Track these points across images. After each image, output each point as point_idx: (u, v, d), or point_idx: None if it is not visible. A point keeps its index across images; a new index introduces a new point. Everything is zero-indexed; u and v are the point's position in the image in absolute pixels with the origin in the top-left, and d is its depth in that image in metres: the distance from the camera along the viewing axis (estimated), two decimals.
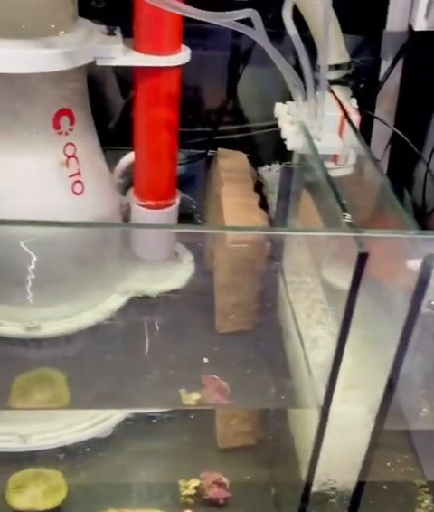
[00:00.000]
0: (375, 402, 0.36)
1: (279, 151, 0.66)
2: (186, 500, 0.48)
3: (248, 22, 0.41)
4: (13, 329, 0.51)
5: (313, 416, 0.38)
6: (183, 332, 0.53)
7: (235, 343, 0.53)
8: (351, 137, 0.46)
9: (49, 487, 0.47)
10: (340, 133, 0.47)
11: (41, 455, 0.49)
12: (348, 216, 0.34)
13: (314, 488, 0.40)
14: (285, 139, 0.46)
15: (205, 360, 0.50)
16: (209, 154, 0.66)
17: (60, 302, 0.53)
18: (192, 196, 0.64)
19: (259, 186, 0.61)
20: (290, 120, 0.48)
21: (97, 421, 0.52)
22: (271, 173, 0.64)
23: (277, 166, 0.64)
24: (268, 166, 0.65)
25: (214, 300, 0.56)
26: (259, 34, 0.39)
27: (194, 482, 0.48)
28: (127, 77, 0.68)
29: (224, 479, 0.49)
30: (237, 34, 0.67)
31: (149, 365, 0.51)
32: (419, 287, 0.31)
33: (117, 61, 0.47)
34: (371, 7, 0.60)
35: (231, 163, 0.60)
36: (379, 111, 0.61)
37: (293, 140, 0.46)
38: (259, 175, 0.63)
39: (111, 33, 0.48)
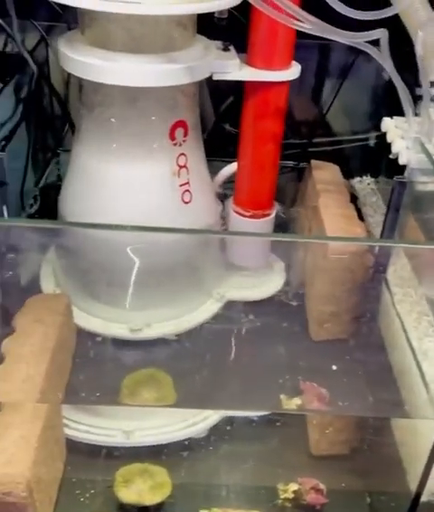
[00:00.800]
0: None
1: (369, 163, 0.68)
2: (284, 504, 0.49)
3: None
4: (118, 331, 0.53)
5: (426, 427, 0.39)
6: (278, 338, 0.55)
7: (330, 351, 0.54)
8: None
9: (154, 482, 0.48)
10: None
11: (144, 451, 0.51)
12: None
13: (423, 498, 0.41)
14: (396, 154, 0.47)
15: (302, 367, 0.52)
16: (299, 166, 0.67)
17: (161, 306, 0.55)
18: (282, 207, 0.65)
19: (353, 198, 0.62)
20: (400, 135, 0.49)
21: (194, 422, 0.54)
22: (363, 185, 0.65)
23: (368, 179, 0.65)
24: (358, 178, 0.66)
25: (307, 308, 0.58)
26: (383, 54, 0.40)
27: (294, 486, 0.49)
28: (219, 90, 0.70)
29: (322, 486, 0.50)
30: (334, 48, 0.69)
31: (247, 370, 0.52)
32: None
33: (233, 76, 0.49)
34: None
35: (325, 174, 0.62)
36: None
37: (405, 155, 0.47)
38: (351, 187, 0.64)
39: (226, 49, 0.50)
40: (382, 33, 0.39)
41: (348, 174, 0.66)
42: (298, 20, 0.40)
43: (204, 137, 0.71)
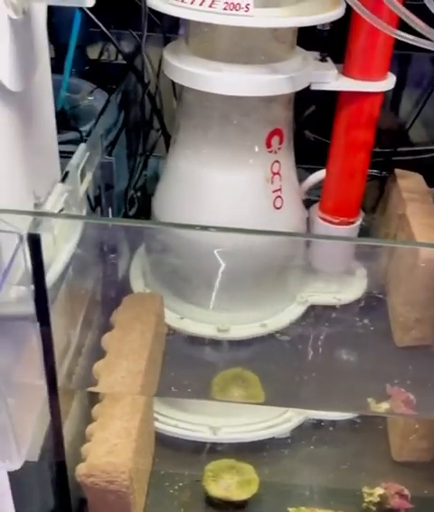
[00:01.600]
0: None
1: None
2: (369, 507, 0.50)
3: None
4: (207, 331, 0.55)
5: None
6: (361, 342, 0.56)
7: (415, 357, 0.54)
8: None
9: (242, 479, 0.50)
10: None
11: (229, 448, 0.53)
12: None
13: None
14: None
15: (387, 372, 0.52)
16: (382, 174, 0.68)
17: (247, 307, 0.57)
18: (364, 215, 0.66)
19: None
20: None
21: (277, 422, 0.55)
22: None
23: None
24: None
25: (391, 314, 0.59)
26: None
27: (379, 491, 0.50)
28: (301, 98, 0.71)
29: (406, 491, 0.50)
30: (416, 58, 0.70)
31: (331, 373, 0.53)
32: None
33: (331, 86, 0.51)
34: None
35: (410, 183, 0.62)
36: None
37: None
38: None
39: (324, 60, 0.52)
40: None
41: (431, 183, 0.67)
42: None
43: None
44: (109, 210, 0.49)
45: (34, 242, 0.32)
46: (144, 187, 0.65)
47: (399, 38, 0.43)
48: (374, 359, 0.54)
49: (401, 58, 0.71)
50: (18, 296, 0.35)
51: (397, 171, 0.64)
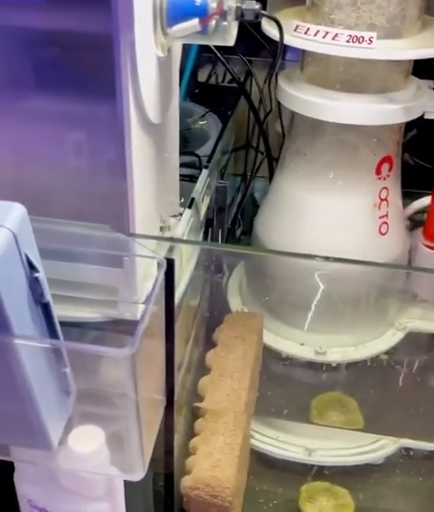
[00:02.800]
0: None
1: None
2: None
3: None
4: (305, 353, 0.56)
5: None
6: None
7: None
8: None
9: (338, 503, 0.50)
10: None
11: (323, 471, 0.53)
12: None
13: None
14: None
15: None
16: None
17: (344, 331, 0.57)
18: None
19: None
20: None
21: (373, 448, 0.55)
22: None
23: None
24: None
25: None
26: None
27: None
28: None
29: None
30: None
31: (429, 402, 0.53)
32: None
33: None
34: None
35: None
36: None
37: None
38: None
39: None
40: None
41: None
42: None
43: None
44: (219, 232, 0.51)
45: (170, 266, 0.34)
46: (244, 208, 0.66)
47: None
48: None
49: None
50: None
51: None
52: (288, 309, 0.58)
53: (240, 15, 0.33)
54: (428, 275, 0.60)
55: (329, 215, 0.53)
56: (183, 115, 0.60)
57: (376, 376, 0.55)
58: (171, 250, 0.34)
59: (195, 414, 0.50)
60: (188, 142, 0.57)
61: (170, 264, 0.33)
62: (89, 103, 0.31)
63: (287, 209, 0.55)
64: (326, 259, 0.46)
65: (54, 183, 0.33)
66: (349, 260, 0.47)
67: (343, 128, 0.49)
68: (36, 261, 0.29)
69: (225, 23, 0.33)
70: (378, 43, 0.44)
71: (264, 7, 0.49)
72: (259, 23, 0.47)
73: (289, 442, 0.54)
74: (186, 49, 0.58)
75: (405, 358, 0.57)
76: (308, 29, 0.45)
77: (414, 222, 0.61)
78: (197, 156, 0.47)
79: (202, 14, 0.32)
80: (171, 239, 0.34)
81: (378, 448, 0.55)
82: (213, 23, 0.33)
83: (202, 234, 0.45)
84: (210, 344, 0.53)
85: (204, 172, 0.43)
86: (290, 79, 0.51)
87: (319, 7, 0.46)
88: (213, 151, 0.46)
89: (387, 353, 0.56)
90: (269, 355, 0.56)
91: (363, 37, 0.43)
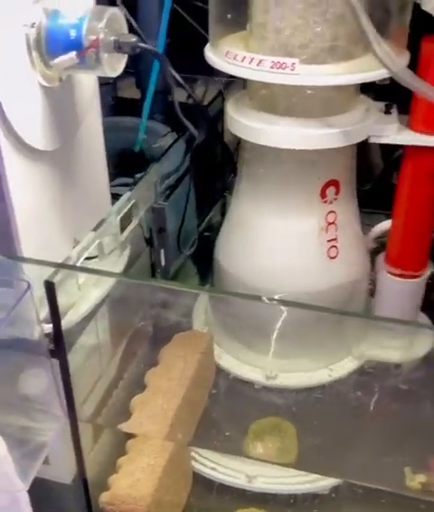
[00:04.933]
0: None
1: None
2: None
3: None
4: (255, 375, 0.56)
5: None
6: (414, 406, 0.53)
7: None
8: None
9: None
10: None
11: (264, 498, 0.53)
12: None
13: None
14: None
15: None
16: None
17: (299, 357, 0.56)
18: None
19: None
20: None
21: (317, 478, 0.54)
22: None
23: None
24: None
25: None
26: None
27: None
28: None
29: None
30: None
31: (376, 435, 0.51)
32: None
33: (390, 140, 0.49)
34: None
35: None
36: None
37: None
38: None
39: (388, 112, 0.51)
40: None
41: None
42: None
43: (369, 186, 0.72)
44: (161, 251, 0.51)
45: (49, 289, 0.35)
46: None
47: None
48: (424, 426, 0.51)
49: None
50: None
51: None
52: (246, 332, 0.58)
53: (118, 48, 0.34)
54: (388, 300, 0.58)
55: (277, 238, 0.53)
56: (150, 134, 0.62)
57: (323, 404, 0.53)
58: (55, 273, 0.35)
59: (130, 434, 0.51)
60: (150, 162, 0.58)
61: (49, 287, 0.34)
62: None
63: (239, 231, 0.55)
64: (270, 300, 0.45)
65: None
66: (295, 304, 0.46)
67: (283, 152, 0.48)
68: None
69: (105, 55, 0.34)
70: (302, 69, 0.43)
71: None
72: None
73: (229, 467, 0.54)
74: (149, 68, 0.59)
75: (356, 388, 0.55)
76: (236, 55, 0.45)
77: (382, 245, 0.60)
78: (132, 176, 0.48)
79: (78, 47, 0.33)
80: (55, 264, 0.35)
81: (323, 477, 0.54)
82: (93, 55, 0.34)
83: (126, 255, 0.46)
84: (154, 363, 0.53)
85: (126, 195, 0.44)
86: (237, 104, 0.52)
87: (254, 32, 0.46)
88: (144, 173, 0.47)
89: (339, 380, 0.55)
90: (221, 375, 0.56)
91: (285, 63, 0.43)
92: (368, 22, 0.38)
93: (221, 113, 0.63)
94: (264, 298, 0.44)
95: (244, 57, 0.44)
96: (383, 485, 0.46)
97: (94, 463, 0.49)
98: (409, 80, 0.40)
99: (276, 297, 0.51)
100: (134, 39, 0.33)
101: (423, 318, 0.59)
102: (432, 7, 0.42)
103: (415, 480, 0.45)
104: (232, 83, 0.65)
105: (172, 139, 0.57)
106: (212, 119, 0.60)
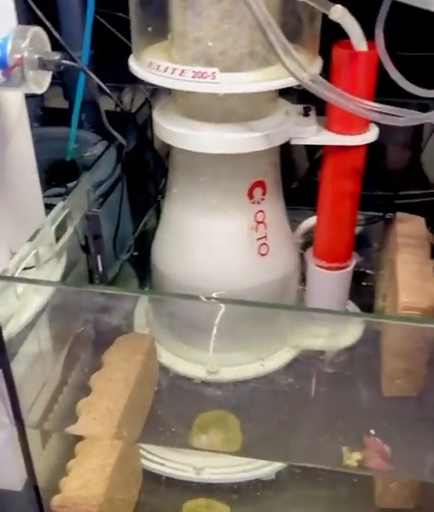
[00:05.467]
0: None
1: None
2: None
3: None
4: (196, 371, 0.58)
5: None
6: (349, 390, 0.56)
7: (400, 408, 0.54)
8: None
9: None
10: None
11: (211, 488, 0.55)
12: None
13: None
14: None
15: (369, 421, 0.53)
16: (387, 216, 0.68)
17: (238, 350, 0.59)
18: (366, 257, 0.66)
19: None
20: None
21: (262, 464, 0.56)
22: None
23: None
24: None
25: (382, 363, 0.59)
26: None
27: None
28: None
29: None
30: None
31: (314, 420, 0.54)
32: None
33: (310, 141, 0.52)
34: None
35: (408, 228, 0.62)
36: None
37: None
38: None
39: (306, 114, 0.54)
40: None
41: None
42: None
43: (295, 185, 0.75)
44: (98, 257, 0.53)
45: None
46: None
47: (365, 116, 0.45)
48: (359, 408, 0.54)
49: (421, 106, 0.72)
50: None
51: (398, 214, 0.65)
52: (186, 331, 0.60)
53: (43, 65, 0.35)
54: (318, 292, 0.62)
55: (209, 239, 0.55)
56: (81, 143, 0.63)
57: (263, 395, 0.56)
58: None
59: (79, 437, 0.52)
60: (82, 171, 0.59)
61: None
62: None
63: (173, 234, 0.57)
64: (208, 299, 0.47)
65: None
66: (232, 301, 0.48)
67: (210, 156, 0.51)
68: None
69: (31, 72, 0.35)
70: (222, 77, 0.45)
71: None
72: None
73: (178, 461, 0.56)
74: (75, 79, 0.60)
75: (292, 377, 0.58)
76: (159, 66, 0.47)
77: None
78: (65, 186, 0.50)
79: (3, 66, 0.34)
80: None
81: (268, 463, 0.56)
82: (18, 73, 0.35)
83: (63, 262, 0.47)
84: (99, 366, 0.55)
85: (59, 205, 0.45)
86: (163, 110, 0.53)
87: (175, 42, 0.48)
88: (77, 183, 0.48)
89: (276, 371, 0.58)
90: (165, 374, 0.58)
91: (206, 72, 0.45)
92: (276, 36, 0.41)
93: (149, 119, 0.64)
94: (202, 297, 0.46)
95: (167, 67, 0.46)
96: (323, 464, 0.49)
97: (44, 469, 0.49)
98: (318, 89, 0.43)
99: (212, 295, 0.54)
100: (57, 57, 0.35)
101: (352, 306, 0.63)
102: (338, 16, 0.45)
103: (352, 458, 0.49)
104: (158, 90, 0.67)
105: (103, 147, 0.58)
106: (141, 126, 0.61)
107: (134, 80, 0.65)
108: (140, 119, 0.63)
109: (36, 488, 0.46)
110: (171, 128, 0.51)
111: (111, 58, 0.58)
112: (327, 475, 0.56)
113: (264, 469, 0.56)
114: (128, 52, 0.59)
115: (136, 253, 0.65)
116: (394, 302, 0.56)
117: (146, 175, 0.66)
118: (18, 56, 0.34)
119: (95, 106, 0.66)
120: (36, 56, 0.34)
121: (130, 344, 0.56)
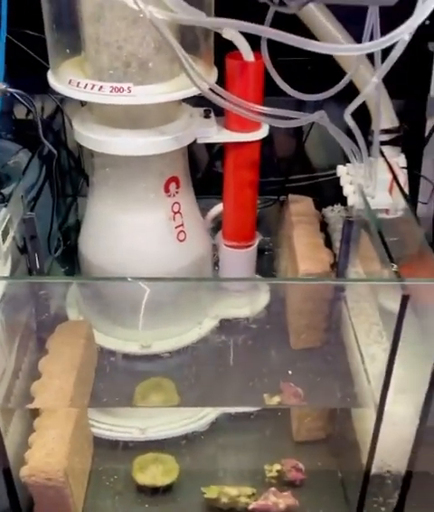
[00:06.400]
0: (420, 403, 0.48)
1: (340, 194, 0.79)
2: (270, 481, 0.61)
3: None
4: (131, 348, 0.65)
5: (371, 415, 0.50)
6: (264, 348, 0.66)
7: (307, 357, 0.65)
8: (399, 195, 0.58)
9: (165, 468, 0.60)
10: (390, 191, 0.59)
11: (155, 444, 0.63)
12: (395, 266, 0.46)
13: (373, 472, 0.52)
14: (346, 196, 0.59)
15: (283, 370, 0.63)
16: (281, 199, 0.79)
17: (166, 325, 0.67)
18: (265, 235, 0.76)
19: (323, 226, 0.73)
20: (349, 181, 0.60)
21: (197, 418, 0.66)
22: (334, 213, 0.76)
23: (338, 207, 0.76)
24: (330, 207, 0.77)
25: (288, 322, 0.69)
26: (328, 125, 0.52)
27: (277, 466, 0.61)
28: None
29: (300, 465, 0.61)
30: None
31: (238, 375, 0.64)
32: None
33: (213, 139, 0.61)
34: (417, 75, 0.72)
35: (300, 207, 0.73)
36: (425, 164, 0.72)
37: (352, 198, 0.59)
38: (323, 216, 0.75)
39: (207, 116, 0.62)
40: (319, 115, 0.50)
41: (323, 203, 0.78)
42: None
43: (199, 176, 0.84)
44: (36, 255, 0.58)
45: None
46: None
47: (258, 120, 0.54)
48: (274, 361, 0.64)
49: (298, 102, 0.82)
50: None
51: (290, 196, 0.75)
52: (115, 312, 0.67)
53: None
54: (230, 269, 0.71)
55: (134, 230, 0.62)
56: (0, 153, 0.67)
57: (193, 360, 0.65)
58: None
59: (35, 415, 0.58)
60: (9, 178, 0.64)
61: None
62: None
63: (98, 225, 0.64)
64: (136, 279, 0.54)
65: None
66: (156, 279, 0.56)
67: (127, 158, 0.58)
68: None
69: None
70: (137, 90, 0.53)
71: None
72: None
73: (124, 425, 0.64)
74: None
75: (216, 342, 0.67)
76: (79, 82, 0.53)
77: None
78: (1, 194, 0.55)
79: None
80: None
81: (201, 417, 0.66)
82: None
83: (9, 261, 0.53)
84: (44, 352, 0.61)
85: (3, 210, 0.50)
86: (82, 118, 0.60)
87: (89, 58, 0.55)
88: (14, 189, 0.54)
89: (201, 339, 0.67)
90: (102, 353, 0.65)
91: (122, 87, 0.52)
92: (181, 52, 0.48)
93: (63, 126, 0.70)
94: (129, 278, 0.53)
95: (86, 84, 0.53)
96: (250, 406, 0.59)
97: (10, 446, 0.55)
98: (216, 98, 0.51)
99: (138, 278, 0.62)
100: (4, 86, 0.41)
101: (259, 279, 0.73)
102: (230, 36, 0.53)
103: (272, 401, 0.59)
104: (67, 99, 0.72)
105: (24, 155, 0.63)
106: (56, 132, 0.67)
107: (45, 90, 0.71)
108: (55, 126, 0.69)
109: (7, 464, 0.52)
110: (91, 136, 0.57)
111: (22, 70, 0.63)
112: (250, 422, 0.66)
113: (199, 422, 0.65)
114: (37, 63, 0.65)
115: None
116: (295, 270, 0.66)
117: (64, 178, 0.71)
118: None
119: (10, 116, 0.71)
120: None
121: (70, 330, 0.63)
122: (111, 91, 0.52)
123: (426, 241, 0.50)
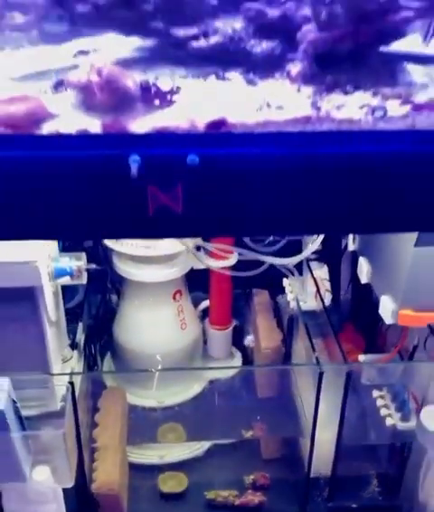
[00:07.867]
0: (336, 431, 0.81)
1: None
2: (248, 486, 0.94)
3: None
4: (150, 403, 0.97)
5: (308, 440, 0.84)
6: (240, 399, 0.98)
7: (270, 404, 0.98)
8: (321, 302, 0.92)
9: (179, 480, 0.93)
10: (316, 298, 0.93)
11: (171, 465, 0.96)
12: (316, 353, 0.80)
13: (312, 475, 0.85)
14: (289, 301, 0.93)
15: (254, 415, 0.95)
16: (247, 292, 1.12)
17: (172, 386, 0.99)
18: (238, 316, 1.10)
19: (276, 311, 1.07)
20: (290, 290, 0.94)
21: (197, 448, 0.98)
22: (282, 300, 1.10)
23: (285, 296, 1.10)
24: (281, 296, 1.11)
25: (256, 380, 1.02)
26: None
27: (252, 476, 0.94)
28: None
29: (267, 475, 0.94)
30: None
31: (224, 418, 0.96)
32: None
33: (203, 266, 0.95)
34: None
35: (260, 298, 1.07)
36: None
37: (292, 302, 0.93)
38: (277, 303, 1.09)
39: (199, 249, 0.96)
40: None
41: (277, 292, 1.11)
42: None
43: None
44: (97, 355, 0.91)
45: (72, 387, 0.73)
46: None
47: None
48: (246, 408, 0.97)
49: None
50: None
51: (254, 290, 1.09)
52: (139, 379, 0.99)
53: None
54: (216, 344, 1.04)
55: (154, 324, 0.95)
56: None
57: (195, 409, 0.97)
58: (71, 376, 0.74)
59: (94, 449, 0.89)
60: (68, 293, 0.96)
61: (72, 385, 0.73)
62: None
63: (130, 321, 0.97)
64: (157, 370, 0.87)
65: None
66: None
67: (152, 283, 0.91)
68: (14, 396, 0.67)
69: None
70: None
71: None
72: None
73: (147, 454, 0.96)
74: None
75: (207, 397, 0.99)
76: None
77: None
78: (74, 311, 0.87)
79: None
80: (71, 373, 0.73)
81: (200, 447, 0.98)
82: None
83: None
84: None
85: (80, 326, 0.83)
86: (119, 256, 0.93)
87: None
88: (83, 306, 0.86)
89: (195, 398, 0.99)
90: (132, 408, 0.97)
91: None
92: None
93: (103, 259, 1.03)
94: (152, 369, 0.86)
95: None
96: (233, 439, 0.92)
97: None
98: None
99: (156, 356, 0.94)
100: None
101: (233, 349, 1.06)
102: None
103: (247, 434, 0.91)
104: None
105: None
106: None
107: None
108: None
109: (85, 482, 0.83)
110: (124, 268, 0.90)
111: None
112: (233, 449, 0.99)
113: (199, 450, 0.98)
114: None
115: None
116: (258, 346, 0.99)
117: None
118: None
119: None
120: None
121: (111, 394, 0.94)
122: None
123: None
